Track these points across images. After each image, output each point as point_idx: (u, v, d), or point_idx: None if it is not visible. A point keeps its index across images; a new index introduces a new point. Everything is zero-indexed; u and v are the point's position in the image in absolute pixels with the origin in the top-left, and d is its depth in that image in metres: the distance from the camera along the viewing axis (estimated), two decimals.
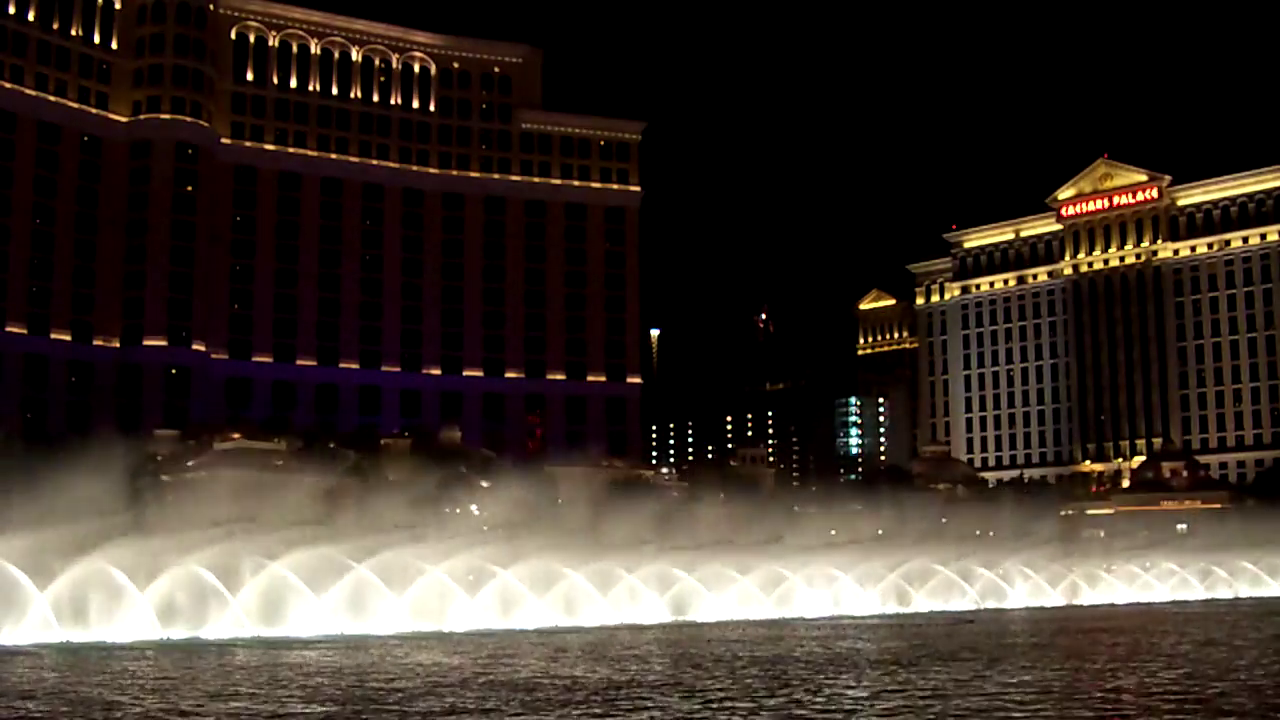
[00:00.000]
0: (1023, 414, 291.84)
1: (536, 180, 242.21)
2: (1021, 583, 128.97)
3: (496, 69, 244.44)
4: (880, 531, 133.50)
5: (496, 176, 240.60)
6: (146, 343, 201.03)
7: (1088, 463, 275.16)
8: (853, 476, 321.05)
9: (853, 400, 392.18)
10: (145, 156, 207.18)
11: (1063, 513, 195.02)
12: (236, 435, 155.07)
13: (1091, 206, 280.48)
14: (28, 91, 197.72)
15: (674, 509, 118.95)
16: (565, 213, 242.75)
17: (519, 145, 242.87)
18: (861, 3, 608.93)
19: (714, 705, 37.10)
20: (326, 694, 40.56)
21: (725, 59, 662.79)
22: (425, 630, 77.15)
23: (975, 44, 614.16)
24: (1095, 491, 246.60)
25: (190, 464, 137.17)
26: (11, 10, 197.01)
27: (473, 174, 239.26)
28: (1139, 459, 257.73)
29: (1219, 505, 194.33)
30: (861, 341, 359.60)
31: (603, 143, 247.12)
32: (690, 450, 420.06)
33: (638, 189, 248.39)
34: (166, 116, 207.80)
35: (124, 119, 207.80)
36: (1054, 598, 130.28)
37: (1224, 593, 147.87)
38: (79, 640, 65.67)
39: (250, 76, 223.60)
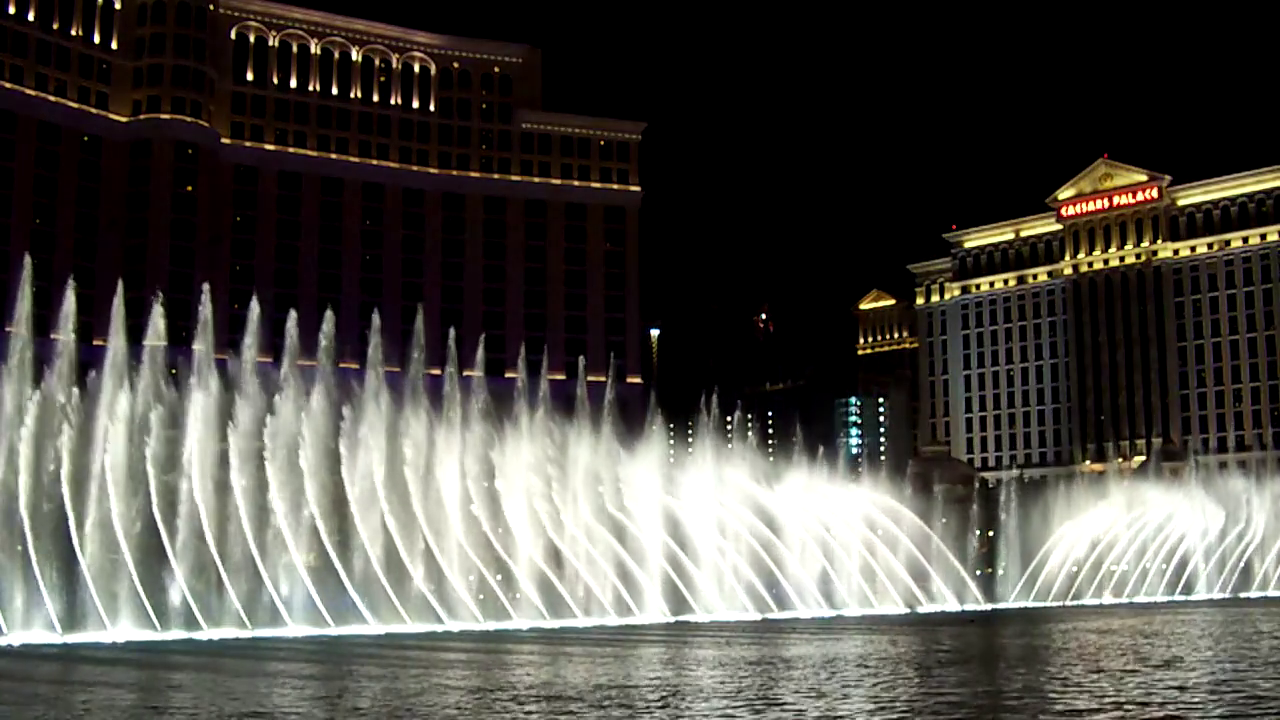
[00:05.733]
0: (1023, 414, 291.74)
1: (536, 180, 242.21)
2: None
3: (496, 69, 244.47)
4: (879, 531, 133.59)
5: (496, 176, 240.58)
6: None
7: (1088, 463, 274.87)
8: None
9: (853, 400, 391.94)
10: (145, 156, 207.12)
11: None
12: None
13: (1091, 206, 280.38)
14: (28, 91, 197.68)
15: None
16: (565, 212, 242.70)
17: (519, 145, 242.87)
18: (861, 3, 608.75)
19: None
20: None
21: (725, 59, 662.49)
22: None
23: (975, 44, 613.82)
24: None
25: None
26: (11, 10, 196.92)
27: (473, 174, 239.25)
28: (1139, 459, 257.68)
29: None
30: (861, 341, 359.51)
31: (603, 143, 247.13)
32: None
33: (638, 189, 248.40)
34: (167, 116, 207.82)
35: (124, 119, 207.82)
36: None
37: None
38: None
39: (250, 76, 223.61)
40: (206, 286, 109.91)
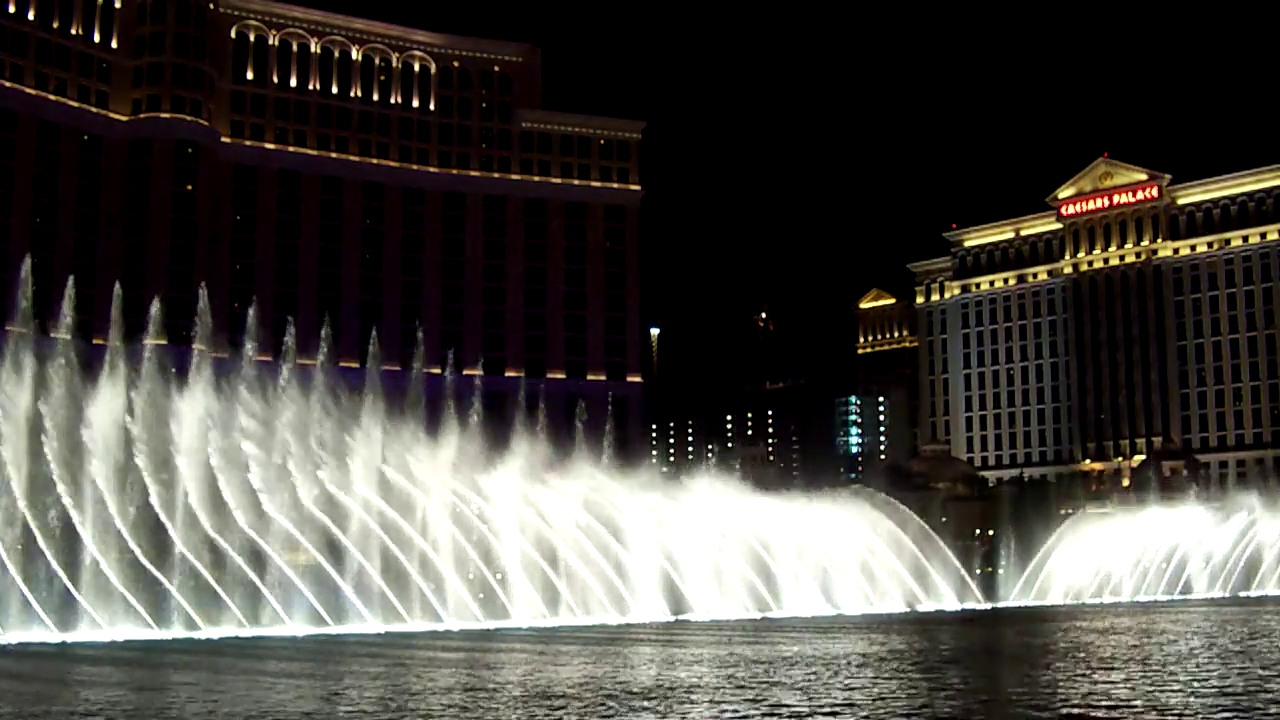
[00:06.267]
0: (1023, 413, 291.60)
1: (537, 179, 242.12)
2: None
3: (496, 68, 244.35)
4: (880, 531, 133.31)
5: (497, 175, 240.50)
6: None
7: (1088, 462, 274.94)
8: (853, 475, 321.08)
9: (853, 399, 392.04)
10: (145, 155, 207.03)
11: (1062, 512, 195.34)
12: None
13: (1091, 205, 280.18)
14: (28, 90, 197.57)
15: None
16: (565, 211, 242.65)
17: (519, 144, 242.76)
18: (861, 3, 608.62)
19: None
20: None
21: (725, 59, 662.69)
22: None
23: (975, 44, 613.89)
24: (1095, 490, 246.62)
25: None
26: (11, 9, 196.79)
27: (473, 173, 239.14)
28: (1139, 458, 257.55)
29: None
30: (861, 340, 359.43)
31: (603, 142, 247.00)
32: (690, 450, 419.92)
33: (638, 188, 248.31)
34: (167, 115, 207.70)
35: (124, 118, 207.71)
36: None
37: None
38: None
39: (250, 75, 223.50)
40: (204, 292, 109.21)
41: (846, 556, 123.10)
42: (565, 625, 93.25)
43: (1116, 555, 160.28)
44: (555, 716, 34.80)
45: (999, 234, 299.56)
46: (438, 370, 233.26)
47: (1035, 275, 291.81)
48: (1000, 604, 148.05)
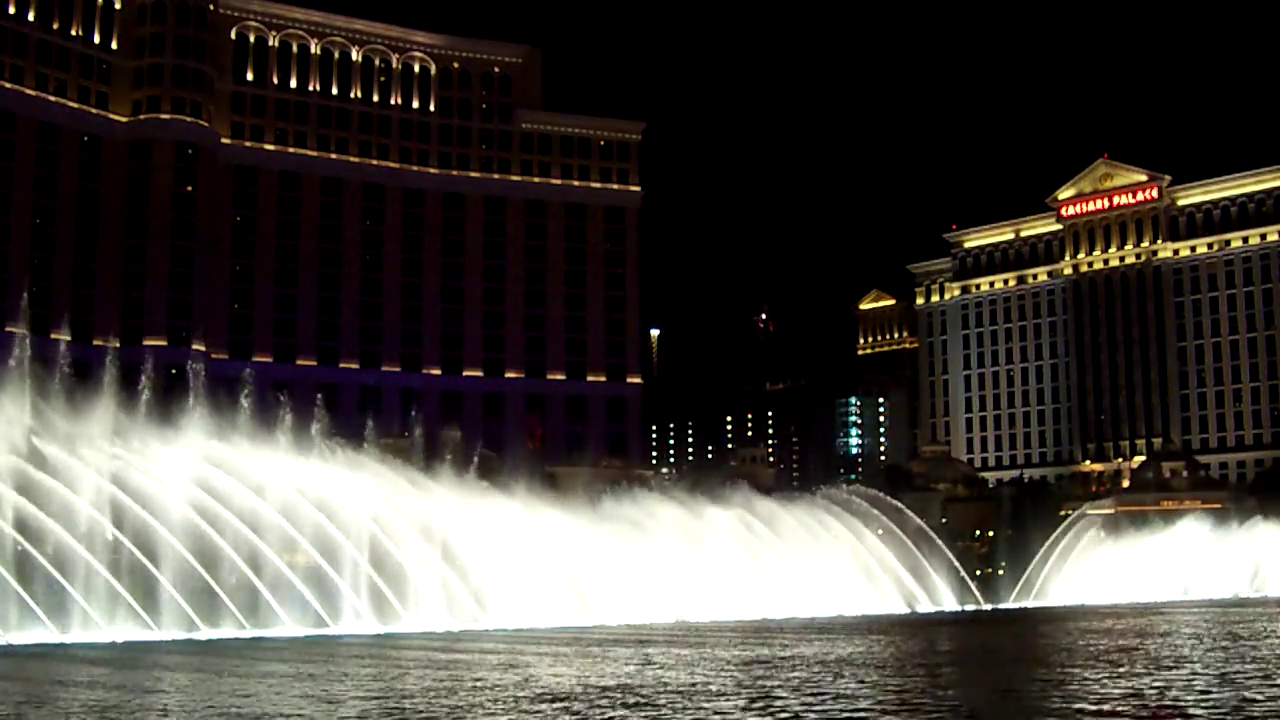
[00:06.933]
0: (1023, 414, 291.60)
1: (536, 180, 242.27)
2: None
3: (496, 69, 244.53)
4: (880, 532, 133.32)
5: (496, 176, 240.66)
6: (146, 342, 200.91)
7: (1088, 463, 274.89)
8: (853, 476, 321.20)
9: (853, 400, 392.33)
10: (145, 156, 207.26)
11: (1062, 512, 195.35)
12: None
13: (1091, 206, 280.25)
14: (28, 91, 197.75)
15: None
16: (565, 212, 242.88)
17: (519, 145, 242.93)
18: (861, 3, 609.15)
19: None
20: None
21: (725, 59, 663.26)
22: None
23: (974, 44, 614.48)
24: (1095, 491, 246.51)
25: None
26: (11, 10, 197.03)
27: (473, 174, 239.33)
28: (1139, 459, 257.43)
29: (1218, 505, 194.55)
30: (861, 341, 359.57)
31: (603, 143, 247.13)
32: (690, 450, 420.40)
33: (638, 189, 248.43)
34: (166, 116, 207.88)
35: (124, 119, 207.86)
36: None
37: None
38: None
39: (250, 76, 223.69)
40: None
41: (844, 558, 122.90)
42: (562, 627, 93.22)
43: (1117, 558, 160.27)
44: (556, 717, 34.74)
45: (999, 235, 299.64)
46: (437, 371, 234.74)
47: (1035, 276, 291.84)
48: (1000, 605, 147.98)
